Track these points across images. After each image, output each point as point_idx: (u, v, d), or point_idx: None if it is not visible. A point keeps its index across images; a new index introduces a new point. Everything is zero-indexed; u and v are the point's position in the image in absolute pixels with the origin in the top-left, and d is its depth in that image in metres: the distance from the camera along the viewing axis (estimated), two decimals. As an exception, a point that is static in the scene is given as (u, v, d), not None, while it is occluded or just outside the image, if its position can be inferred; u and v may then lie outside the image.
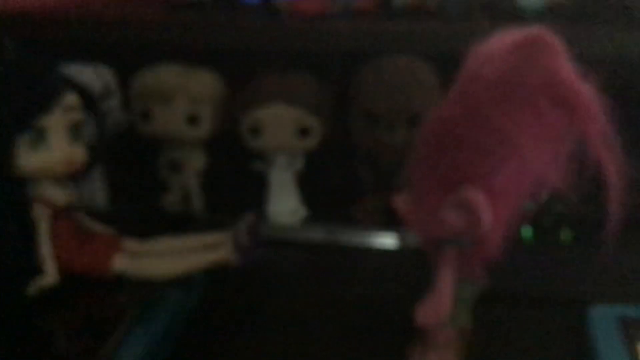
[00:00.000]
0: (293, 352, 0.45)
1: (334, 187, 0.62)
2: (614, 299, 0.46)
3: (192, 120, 0.57)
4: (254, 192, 0.59)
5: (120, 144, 0.58)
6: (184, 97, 0.57)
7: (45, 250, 0.43)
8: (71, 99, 0.43)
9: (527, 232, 0.54)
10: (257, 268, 0.55)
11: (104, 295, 0.45)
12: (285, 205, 0.59)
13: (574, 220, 0.54)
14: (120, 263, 0.44)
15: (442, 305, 0.38)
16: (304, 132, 0.56)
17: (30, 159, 0.42)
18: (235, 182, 0.60)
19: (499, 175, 0.35)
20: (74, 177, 0.45)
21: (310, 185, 0.60)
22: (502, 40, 0.35)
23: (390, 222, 0.58)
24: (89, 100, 0.45)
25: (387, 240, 0.57)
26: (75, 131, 0.43)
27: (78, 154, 0.43)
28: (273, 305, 0.50)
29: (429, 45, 0.54)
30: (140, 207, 0.60)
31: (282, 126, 0.56)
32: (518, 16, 0.54)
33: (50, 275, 0.43)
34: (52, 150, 0.42)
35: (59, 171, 0.43)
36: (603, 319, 0.45)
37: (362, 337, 0.46)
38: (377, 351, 0.44)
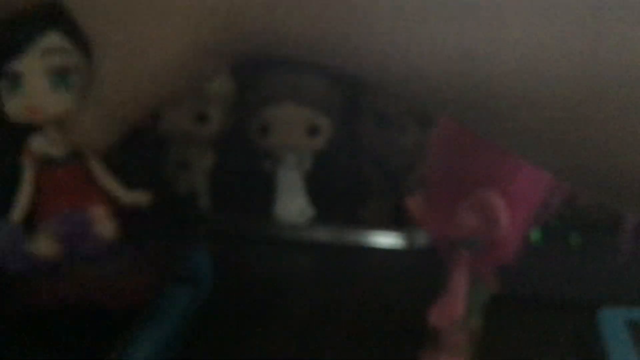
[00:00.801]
0: (300, 351, 0.45)
1: (342, 187, 0.62)
2: (625, 302, 0.46)
3: (201, 118, 0.57)
4: (262, 191, 0.59)
5: (126, 141, 0.58)
6: (193, 94, 0.56)
7: (23, 197, 0.40)
8: (54, 40, 0.37)
9: (536, 235, 0.54)
10: (264, 267, 0.55)
11: (112, 293, 0.44)
12: (293, 204, 0.59)
13: (583, 224, 0.54)
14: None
15: (455, 307, 0.38)
16: (313, 131, 0.56)
17: (9, 104, 0.38)
18: (243, 181, 0.60)
19: (517, 177, 0.34)
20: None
21: (317, 186, 0.60)
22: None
23: (397, 222, 0.58)
24: (82, 42, 0.38)
25: (394, 241, 0.57)
26: (60, 77, 0.38)
27: (61, 102, 0.38)
28: (280, 303, 0.50)
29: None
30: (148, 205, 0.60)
31: (291, 125, 0.56)
32: None
33: (15, 216, 0.40)
34: (28, 96, 0.37)
35: (40, 119, 0.38)
36: (613, 322, 0.45)
37: (370, 337, 0.46)
38: (385, 353, 0.44)
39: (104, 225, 0.41)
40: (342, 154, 0.60)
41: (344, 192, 0.62)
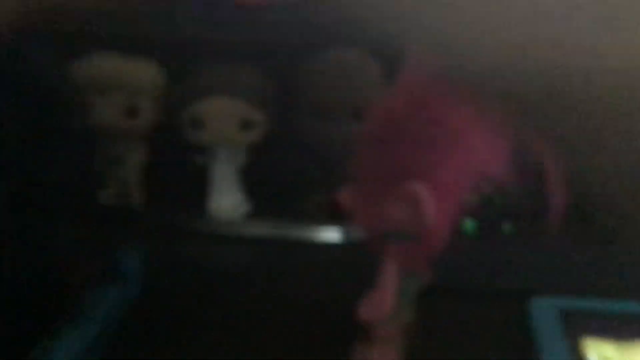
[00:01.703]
0: (235, 348, 0.44)
1: (280, 181, 0.61)
2: (556, 291, 0.47)
3: (131, 112, 0.56)
4: (196, 187, 0.58)
5: (57, 138, 0.56)
6: (122, 88, 0.55)
7: None
8: None
9: (469, 225, 0.54)
10: (199, 263, 0.54)
11: (40, 292, 0.43)
12: (227, 200, 0.58)
13: (515, 213, 0.55)
14: None
15: (384, 300, 0.38)
16: (247, 125, 0.55)
17: None
18: (176, 176, 0.58)
19: (442, 168, 0.34)
20: None
21: (255, 180, 0.59)
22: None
23: (336, 216, 0.57)
24: None
25: (332, 235, 0.57)
26: None
27: None
28: (215, 300, 0.49)
29: (375, 38, 0.54)
30: (78, 202, 0.58)
31: (224, 119, 0.55)
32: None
33: None
34: None
35: None
36: (545, 311, 0.45)
37: (306, 332, 0.45)
38: (320, 346, 0.44)
39: None
40: (278, 148, 0.59)
41: (282, 186, 0.61)
